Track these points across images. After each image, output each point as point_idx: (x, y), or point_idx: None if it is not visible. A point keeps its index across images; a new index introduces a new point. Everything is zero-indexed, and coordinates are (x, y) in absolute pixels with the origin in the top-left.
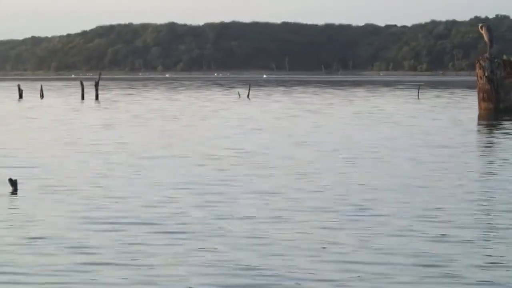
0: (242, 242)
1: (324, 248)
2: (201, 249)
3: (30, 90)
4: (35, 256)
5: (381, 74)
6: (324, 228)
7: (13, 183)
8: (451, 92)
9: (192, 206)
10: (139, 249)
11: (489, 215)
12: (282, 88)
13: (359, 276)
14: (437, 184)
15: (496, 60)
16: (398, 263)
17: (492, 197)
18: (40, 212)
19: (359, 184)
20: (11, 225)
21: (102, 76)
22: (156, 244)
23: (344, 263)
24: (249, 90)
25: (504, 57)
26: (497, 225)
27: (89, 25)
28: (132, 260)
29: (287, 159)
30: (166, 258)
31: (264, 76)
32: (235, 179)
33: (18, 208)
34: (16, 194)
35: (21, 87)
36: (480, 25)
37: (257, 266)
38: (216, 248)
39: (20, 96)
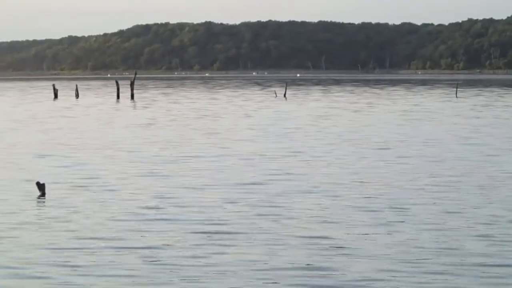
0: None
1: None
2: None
3: (66, 89)
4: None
5: (419, 73)
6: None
7: (41, 186)
8: (489, 91)
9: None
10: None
11: None
12: (318, 87)
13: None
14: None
15: None
16: None
17: None
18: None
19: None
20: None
21: (138, 76)
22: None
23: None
24: (285, 89)
25: None
26: None
27: (126, 25)
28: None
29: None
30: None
31: (298, 75)
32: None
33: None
34: (44, 197)
35: (56, 87)
36: None
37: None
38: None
39: (55, 95)
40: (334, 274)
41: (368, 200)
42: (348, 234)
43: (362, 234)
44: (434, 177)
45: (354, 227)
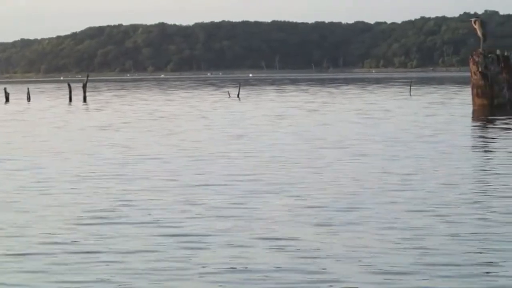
0: None
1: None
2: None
3: (18, 93)
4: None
5: (373, 71)
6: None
7: None
8: (442, 88)
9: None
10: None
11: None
12: (273, 87)
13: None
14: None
15: (490, 55)
16: None
17: (486, 191)
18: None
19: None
20: None
21: (92, 78)
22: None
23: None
24: (239, 89)
25: (498, 52)
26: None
27: (78, 27)
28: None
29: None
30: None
31: (250, 75)
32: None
33: None
34: None
35: (8, 90)
36: (473, 19)
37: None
38: None
39: (7, 99)
40: (302, 276)
41: (328, 200)
42: (311, 234)
43: (326, 234)
44: (393, 175)
45: (318, 227)
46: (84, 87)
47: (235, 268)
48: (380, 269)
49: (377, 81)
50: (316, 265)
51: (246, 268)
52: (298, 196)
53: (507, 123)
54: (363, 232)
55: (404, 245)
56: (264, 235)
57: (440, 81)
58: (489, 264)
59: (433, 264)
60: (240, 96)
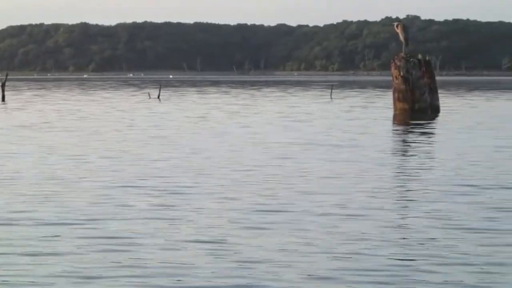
0: None
1: None
2: None
3: None
4: None
5: (296, 74)
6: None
7: None
8: (364, 92)
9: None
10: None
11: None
12: (194, 89)
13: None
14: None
15: (411, 60)
16: None
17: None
18: None
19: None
20: None
21: (12, 77)
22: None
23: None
24: (159, 90)
25: (420, 56)
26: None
27: None
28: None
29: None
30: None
31: (171, 76)
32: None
33: None
34: None
35: None
36: (395, 23)
37: None
38: None
39: None
40: (233, 280)
41: (252, 202)
42: (238, 237)
43: (253, 236)
44: (315, 178)
45: (245, 230)
46: (3, 86)
47: (163, 271)
48: (310, 274)
49: (298, 84)
50: (244, 269)
51: (176, 270)
52: (221, 198)
53: (427, 127)
54: (291, 236)
55: (333, 249)
56: (192, 238)
57: (362, 85)
58: (415, 269)
59: (363, 269)
60: (160, 97)
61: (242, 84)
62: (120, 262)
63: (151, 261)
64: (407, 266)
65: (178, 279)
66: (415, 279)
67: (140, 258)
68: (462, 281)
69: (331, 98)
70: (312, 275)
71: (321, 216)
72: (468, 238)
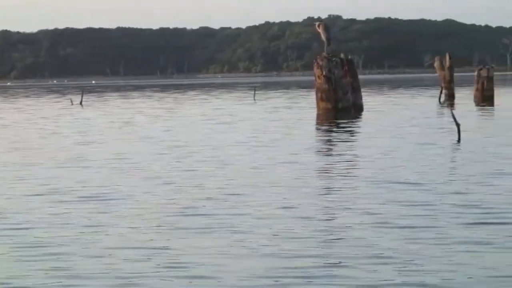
0: None
1: None
2: None
3: None
4: None
5: (219, 76)
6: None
7: None
8: (287, 93)
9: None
10: None
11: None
12: (117, 94)
13: None
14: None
15: (334, 59)
16: None
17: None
18: None
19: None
20: None
21: None
22: None
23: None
24: (82, 96)
25: (342, 55)
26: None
27: None
28: None
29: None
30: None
31: (93, 82)
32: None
33: None
34: None
35: None
36: (316, 23)
37: None
38: None
39: None
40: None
41: (177, 206)
42: (162, 239)
43: (179, 240)
44: (241, 180)
45: (174, 233)
46: None
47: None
48: (244, 276)
49: (222, 86)
50: (176, 272)
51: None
52: (146, 202)
53: (351, 126)
54: (221, 239)
55: (260, 250)
56: (120, 244)
57: (285, 86)
58: (337, 265)
59: (291, 268)
60: (83, 103)
61: (166, 88)
62: (44, 270)
63: (78, 268)
64: (335, 264)
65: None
66: (344, 275)
67: (66, 266)
68: (387, 277)
69: (255, 99)
70: (245, 276)
71: (247, 216)
72: (393, 235)
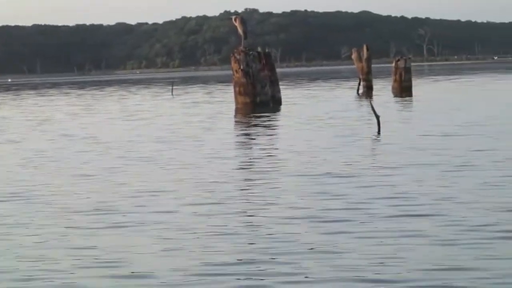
0: None
1: None
2: None
3: None
4: None
5: (138, 72)
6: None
7: None
8: (205, 87)
9: None
10: None
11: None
12: (35, 92)
13: None
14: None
15: (251, 53)
16: None
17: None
18: None
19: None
20: None
21: None
22: None
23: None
24: None
25: (259, 49)
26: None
27: None
28: None
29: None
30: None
31: (9, 80)
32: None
33: None
34: None
35: None
36: (233, 17)
37: None
38: None
39: None
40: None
41: (101, 204)
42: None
43: (90, 238)
44: (162, 175)
45: (84, 231)
46: None
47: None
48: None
49: (140, 82)
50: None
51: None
52: (61, 200)
53: (270, 120)
54: (145, 237)
55: (185, 246)
56: (37, 245)
57: (203, 80)
58: (266, 261)
59: (213, 264)
60: None
61: (83, 85)
62: None
63: None
64: (263, 260)
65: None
66: (273, 271)
67: None
68: (316, 271)
69: (172, 94)
70: (168, 273)
71: (167, 213)
72: (320, 228)
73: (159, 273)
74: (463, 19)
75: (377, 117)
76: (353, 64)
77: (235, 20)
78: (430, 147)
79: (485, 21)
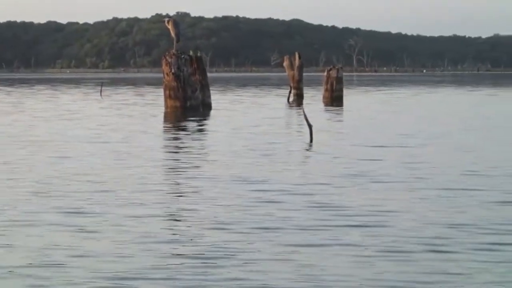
0: None
1: None
2: None
3: None
4: None
5: (68, 71)
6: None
7: None
8: (135, 90)
9: None
10: None
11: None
12: None
13: None
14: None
15: (183, 56)
16: None
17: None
18: None
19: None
20: None
21: None
22: None
23: None
24: None
25: (191, 52)
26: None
27: None
28: None
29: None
30: None
31: None
32: None
33: None
34: None
35: None
36: (166, 19)
37: None
38: None
39: None
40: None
41: (32, 205)
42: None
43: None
44: (89, 178)
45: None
46: None
47: None
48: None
49: (69, 81)
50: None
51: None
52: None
53: (199, 125)
54: (65, 237)
55: (138, 248)
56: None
57: (133, 82)
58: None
59: (137, 269)
60: None
61: (12, 83)
62: None
63: None
64: (175, 264)
65: None
66: (185, 277)
67: None
68: (233, 276)
69: (101, 95)
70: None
71: (97, 216)
72: (241, 236)
73: (75, 277)
74: (393, 31)
75: (310, 126)
76: (283, 71)
77: (168, 22)
78: (362, 157)
79: (415, 34)
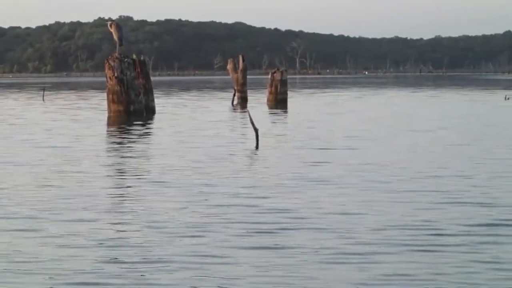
0: None
1: None
2: None
3: None
4: None
5: (11, 76)
6: None
7: None
8: (78, 94)
9: None
10: None
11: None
12: None
13: None
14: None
15: (126, 60)
16: None
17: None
18: None
19: None
20: None
21: None
22: None
23: None
24: None
25: (134, 56)
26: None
27: None
28: None
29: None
30: None
31: None
32: None
33: None
34: None
35: None
36: (109, 23)
37: None
38: None
39: None
40: None
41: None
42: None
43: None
44: (33, 182)
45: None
46: None
47: None
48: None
49: (11, 86)
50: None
51: None
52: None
53: (143, 130)
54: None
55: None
56: None
57: (75, 87)
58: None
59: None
60: None
61: None
62: None
63: None
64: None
65: None
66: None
67: None
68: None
69: (43, 100)
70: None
71: (45, 220)
72: (185, 240)
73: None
74: (336, 33)
75: (256, 130)
76: (226, 74)
77: (110, 26)
78: (309, 160)
79: (357, 36)
